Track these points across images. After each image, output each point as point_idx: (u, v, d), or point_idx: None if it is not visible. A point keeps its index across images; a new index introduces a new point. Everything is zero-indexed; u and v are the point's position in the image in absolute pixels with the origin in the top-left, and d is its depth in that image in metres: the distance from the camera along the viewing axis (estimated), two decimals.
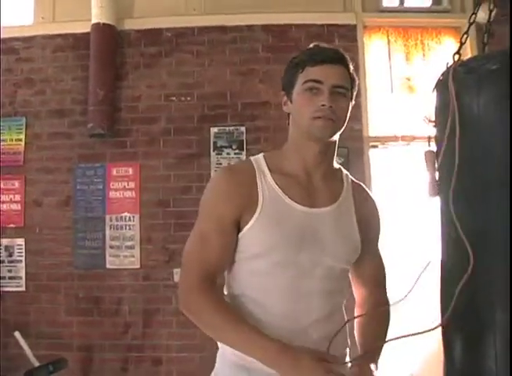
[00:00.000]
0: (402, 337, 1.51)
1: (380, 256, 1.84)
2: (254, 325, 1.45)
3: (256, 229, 1.53)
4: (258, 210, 1.53)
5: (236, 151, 4.49)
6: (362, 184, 1.82)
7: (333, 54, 1.60)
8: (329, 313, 1.59)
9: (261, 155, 1.69)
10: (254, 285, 1.56)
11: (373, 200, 1.82)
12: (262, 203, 1.54)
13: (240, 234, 1.55)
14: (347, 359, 1.62)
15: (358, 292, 1.83)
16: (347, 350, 1.68)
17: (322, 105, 1.54)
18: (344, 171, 1.79)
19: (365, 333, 1.69)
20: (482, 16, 1.87)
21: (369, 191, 1.83)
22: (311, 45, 1.69)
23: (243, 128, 4.52)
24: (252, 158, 1.67)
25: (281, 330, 1.48)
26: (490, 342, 1.43)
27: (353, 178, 1.80)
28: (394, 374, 4.60)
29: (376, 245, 1.82)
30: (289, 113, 1.69)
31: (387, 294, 1.84)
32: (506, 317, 1.43)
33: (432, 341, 4.02)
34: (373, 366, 1.54)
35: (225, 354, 1.59)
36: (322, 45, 1.68)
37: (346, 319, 1.69)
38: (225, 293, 1.65)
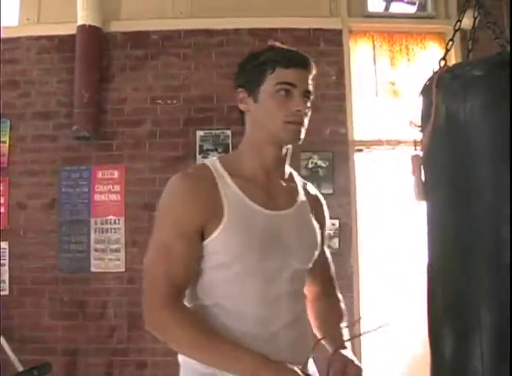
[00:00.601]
0: (361, 335, 1.53)
1: (327, 253, 1.85)
2: (228, 338, 1.42)
3: (223, 237, 1.48)
4: (225, 217, 1.48)
5: (222, 154, 4.49)
6: (309, 183, 1.82)
7: (306, 58, 1.59)
8: (297, 316, 1.58)
9: (215, 159, 1.63)
10: (223, 293, 1.51)
11: (322, 198, 1.83)
12: (227, 210, 1.49)
13: (205, 242, 1.49)
14: (311, 361, 1.62)
15: (309, 289, 1.80)
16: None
17: (297, 110, 1.53)
18: (294, 172, 1.77)
19: (331, 329, 1.68)
20: (466, 22, 1.90)
21: (315, 189, 1.83)
22: (272, 45, 1.64)
23: (228, 132, 4.52)
24: (207, 162, 1.61)
25: (252, 336, 1.46)
26: (476, 342, 1.45)
27: (301, 178, 1.80)
28: (381, 375, 4.63)
29: (325, 243, 1.83)
30: (243, 112, 1.64)
31: (338, 290, 1.85)
32: (491, 318, 1.45)
33: (420, 343, 4.05)
34: (351, 355, 1.54)
35: (188, 364, 1.54)
36: (282, 45, 1.63)
37: (308, 321, 1.70)
38: (188, 305, 1.56)
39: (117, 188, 4.51)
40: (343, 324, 1.70)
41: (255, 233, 1.50)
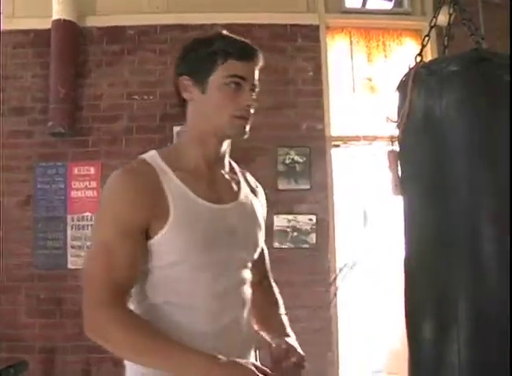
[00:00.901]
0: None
1: (264, 245, 1.79)
2: (177, 340, 1.35)
3: (170, 236, 1.42)
4: (170, 216, 1.42)
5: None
6: (248, 174, 1.78)
7: (256, 51, 1.53)
8: (245, 309, 1.57)
9: (154, 153, 1.55)
10: (173, 291, 1.46)
11: (261, 189, 1.79)
12: (173, 207, 1.43)
13: (151, 242, 1.43)
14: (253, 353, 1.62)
15: None
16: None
17: (247, 105, 1.49)
18: (234, 163, 1.72)
19: (270, 318, 1.68)
20: (442, 19, 1.92)
21: (254, 180, 1.79)
22: (220, 33, 1.56)
23: None
24: (146, 158, 1.53)
25: (203, 332, 1.44)
26: (453, 338, 1.46)
27: (240, 169, 1.75)
28: (359, 371, 4.66)
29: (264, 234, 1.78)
30: (185, 100, 1.58)
31: (272, 280, 1.83)
32: (468, 314, 1.46)
33: (396, 338, 4.09)
34: (293, 342, 1.53)
35: (133, 367, 1.47)
36: (231, 34, 1.56)
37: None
38: (137, 304, 1.50)
39: (94, 184, 4.48)
40: (281, 312, 1.69)
41: (202, 229, 1.46)
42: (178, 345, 1.33)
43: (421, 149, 1.60)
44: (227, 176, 1.63)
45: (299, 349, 1.49)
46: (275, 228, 4.37)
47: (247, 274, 1.61)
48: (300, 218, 4.40)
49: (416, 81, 1.61)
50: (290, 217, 4.39)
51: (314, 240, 4.40)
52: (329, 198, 4.48)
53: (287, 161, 4.44)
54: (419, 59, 1.73)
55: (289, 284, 4.32)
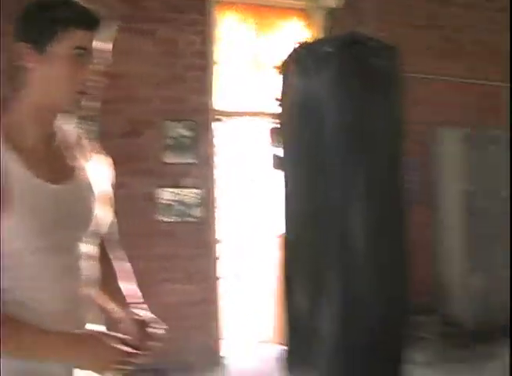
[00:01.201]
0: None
1: (112, 216, 1.71)
2: (30, 324, 1.32)
3: (11, 223, 1.32)
4: (10, 201, 1.31)
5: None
6: (83, 138, 1.63)
7: (100, 19, 1.41)
8: (88, 285, 1.53)
9: None
10: (21, 275, 1.39)
11: (102, 154, 1.66)
12: (12, 191, 1.32)
13: None
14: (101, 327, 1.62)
15: None
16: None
17: (87, 79, 1.39)
18: (65, 128, 1.55)
19: (110, 292, 1.65)
20: (329, 2, 1.99)
21: (91, 147, 1.64)
22: None
23: None
24: None
25: (52, 314, 1.40)
26: (325, 305, 1.55)
27: (78, 137, 1.60)
28: (245, 342, 4.77)
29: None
30: (21, 66, 1.40)
31: (114, 251, 1.76)
32: (339, 284, 1.55)
33: (280, 309, 4.22)
34: (144, 312, 1.54)
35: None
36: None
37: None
38: None
39: None
40: (120, 284, 1.66)
41: (41, 213, 1.38)
42: (37, 329, 1.32)
43: (300, 127, 1.66)
44: (62, 151, 1.51)
45: (151, 318, 1.50)
46: (160, 201, 4.36)
47: (88, 250, 1.54)
48: (185, 191, 4.42)
49: (297, 61, 1.66)
50: (176, 190, 4.39)
51: (199, 214, 4.45)
52: (214, 172, 4.52)
53: (174, 135, 4.41)
54: (302, 39, 1.80)
55: (175, 257, 4.35)
